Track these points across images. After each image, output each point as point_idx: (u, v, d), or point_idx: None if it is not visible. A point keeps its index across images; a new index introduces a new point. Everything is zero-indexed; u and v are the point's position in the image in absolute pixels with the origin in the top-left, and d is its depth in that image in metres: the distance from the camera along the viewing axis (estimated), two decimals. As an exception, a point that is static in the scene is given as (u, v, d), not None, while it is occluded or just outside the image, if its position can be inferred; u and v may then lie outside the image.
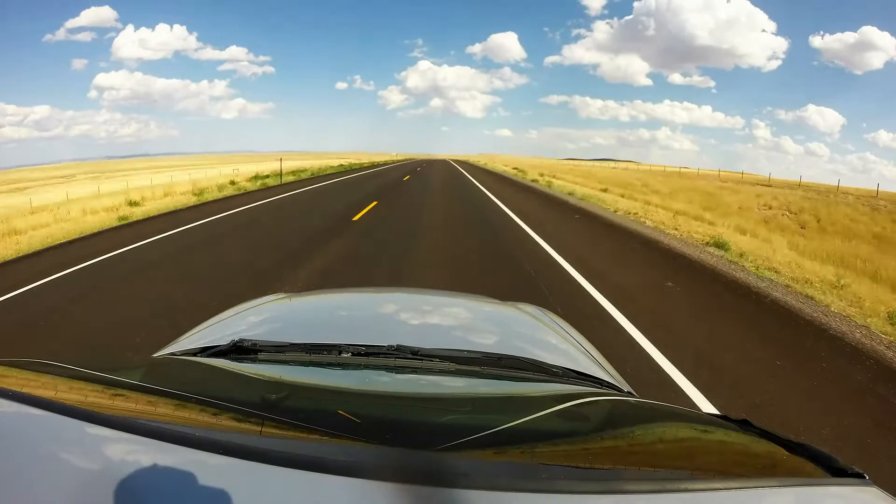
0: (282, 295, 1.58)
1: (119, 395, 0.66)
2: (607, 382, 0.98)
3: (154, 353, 1.07)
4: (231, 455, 0.44)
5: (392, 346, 0.88)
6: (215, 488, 0.40)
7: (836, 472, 0.54)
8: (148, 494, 0.40)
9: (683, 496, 0.45)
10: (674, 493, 0.45)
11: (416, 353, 0.87)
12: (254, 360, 0.87)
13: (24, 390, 0.56)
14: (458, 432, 0.62)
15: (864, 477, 0.52)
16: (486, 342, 1.17)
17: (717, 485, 0.48)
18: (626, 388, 1.03)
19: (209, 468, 0.43)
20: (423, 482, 0.42)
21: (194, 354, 0.94)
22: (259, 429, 0.57)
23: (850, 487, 0.51)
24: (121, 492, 0.39)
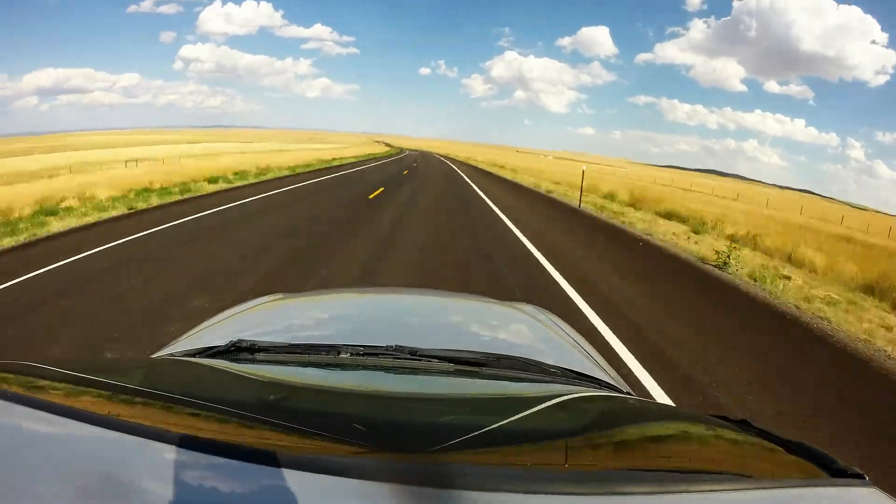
0: (280, 295, 1.58)
1: (118, 396, 0.64)
2: (606, 383, 0.98)
3: (153, 353, 1.06)
4: (229, 456, 0.44)
5: (391, 347, 0.89)
6: (214, 489, 0.41)
7: (836, 472, 0.54)
8: (147, 496, 0.40)
9: (683, 497, 0.45)
10: (673, 494, 0.45)
11: (414, 354, 0.87)
12: (252, 361, 0.86)
13: (22, 393, 0.56)
14: (456, 433, 0.60)
15: (864, 477, 0.52)
16: (485, 342, 1.19)
17: (716, 486, 0.48)
18: (624, 388, 1.03)
19: (208, 469, 0.43)
20: (422, 483, 0.43)
21: (193, 355, 0.93)
22: (257, 429, 0.56)
23: (849, 488, 0.51)
24: (120, 494, 0.40)
